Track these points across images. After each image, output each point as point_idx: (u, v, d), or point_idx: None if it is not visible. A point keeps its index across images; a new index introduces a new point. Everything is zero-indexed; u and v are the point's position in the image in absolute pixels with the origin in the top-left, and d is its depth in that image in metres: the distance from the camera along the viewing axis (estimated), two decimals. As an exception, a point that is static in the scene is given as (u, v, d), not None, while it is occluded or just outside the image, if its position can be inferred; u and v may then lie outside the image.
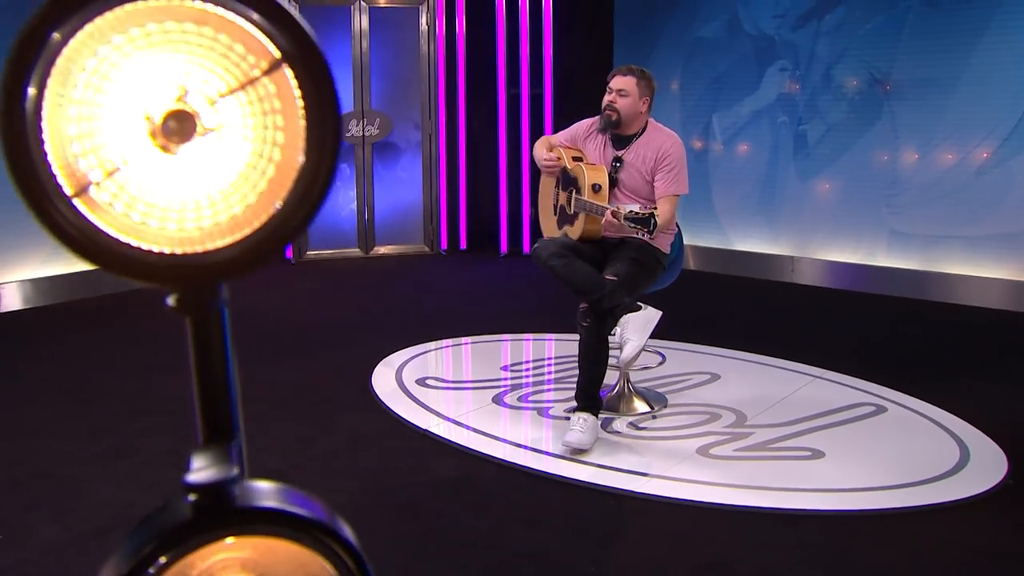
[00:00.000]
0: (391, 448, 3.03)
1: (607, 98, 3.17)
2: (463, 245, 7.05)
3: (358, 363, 3.97)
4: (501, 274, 6.32)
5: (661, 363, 4.01)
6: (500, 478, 2.80)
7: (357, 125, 6.70)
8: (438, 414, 3.34)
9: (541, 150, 3.38)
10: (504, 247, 6.87)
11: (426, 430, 3.17)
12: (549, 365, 4.05)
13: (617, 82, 3.16)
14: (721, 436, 3.09)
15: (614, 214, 2.85)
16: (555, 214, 3.38)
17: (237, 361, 0.68)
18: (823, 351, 4.12)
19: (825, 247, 5.78)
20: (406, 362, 4.02)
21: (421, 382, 3.73)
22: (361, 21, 6.61)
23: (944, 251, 5.22)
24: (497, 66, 6.68)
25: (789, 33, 5.75)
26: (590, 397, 3.03)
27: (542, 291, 5.46)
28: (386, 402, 3.47)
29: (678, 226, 3.37)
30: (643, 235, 2.79)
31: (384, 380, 3.75)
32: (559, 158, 3.29)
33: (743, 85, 6.03)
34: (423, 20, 6.73)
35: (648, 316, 2.93)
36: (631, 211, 2.80)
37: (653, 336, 3.08)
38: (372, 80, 6.72)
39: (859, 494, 2.65)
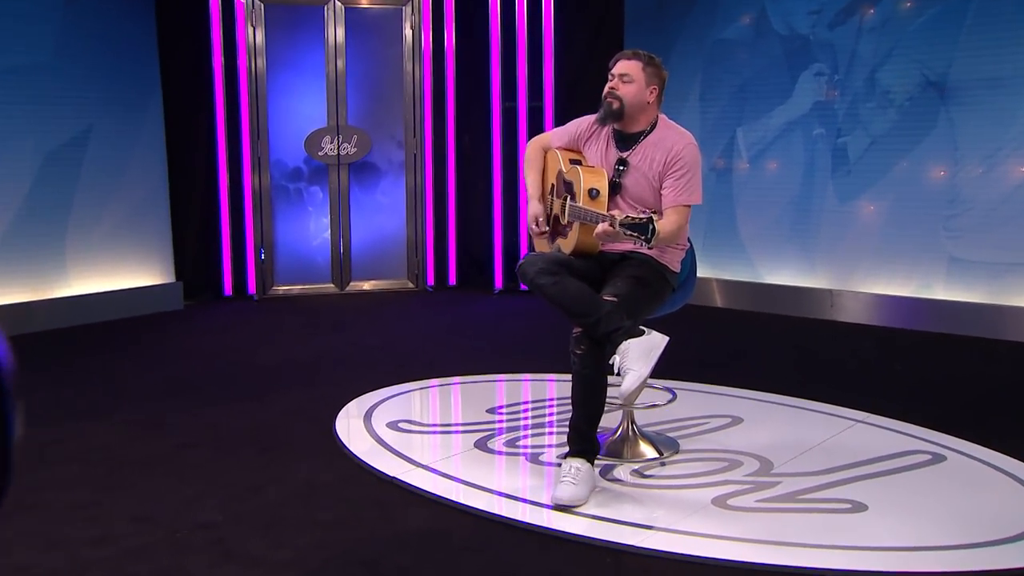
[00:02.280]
0: (352, 498, 2.97)
1: (608, 85, 3.16)
2: (452, 280, 7.05)
3: (322, 406, 3.94)
4: (494, 312, 6.29)
5: (671, 400, 3.96)
6: (477, 532, 2.72)
7: (331, 143, 6.76)
8: (410, 460, 3.28)
9: (531, 180, 3.39)
10: (499, 282, 6.86)
11: (394, 478, 3.11)
12: (550, 406, 4.01)
13: (620, 67, 3.16)
14: (742, 485, 3.01)
15: (611, 223, 2.80)
16: (548, 225, 3.35)
17: None
18: (867, 394, 4.04)
19: (871, 279, 5.73)
20: (377, 404, 3.99)
21: (393, 426, 3.68)
22: (335, 24, 6.71)
23: (1015, 281, 5.16)
24: (491, 76, 6.75)
25: (826, 31, 5.79)
26: (585, 440, 2.95)
27: (539, 330, 5.42)
28: (350, 447, 3.42)
29: (690, 241, 3.34)
30: (640, 244, 2.76)
31: (350, 424, 3.72)
32: (544, 232, 3.32)
33: (772, 93, 6.06)
34: (407, 23, 6.83)
35: (652, 342, 2.86)
36: (627, 217, 2.76)
37: (658, 373, 2.99)
38: (348, 91, 6.79)
39: (910, 554, 2.55)
